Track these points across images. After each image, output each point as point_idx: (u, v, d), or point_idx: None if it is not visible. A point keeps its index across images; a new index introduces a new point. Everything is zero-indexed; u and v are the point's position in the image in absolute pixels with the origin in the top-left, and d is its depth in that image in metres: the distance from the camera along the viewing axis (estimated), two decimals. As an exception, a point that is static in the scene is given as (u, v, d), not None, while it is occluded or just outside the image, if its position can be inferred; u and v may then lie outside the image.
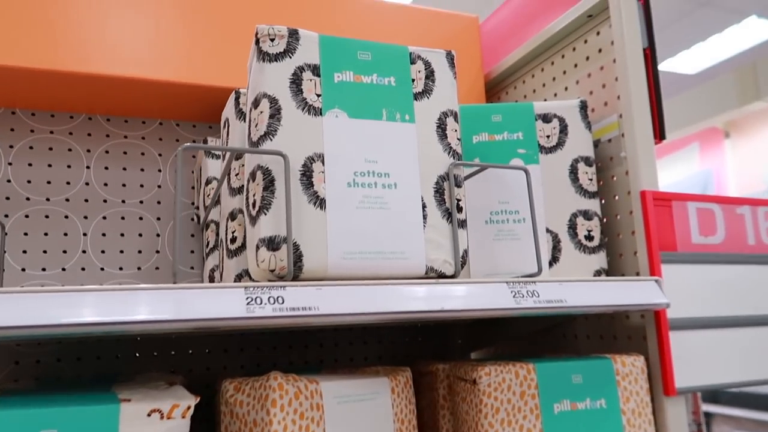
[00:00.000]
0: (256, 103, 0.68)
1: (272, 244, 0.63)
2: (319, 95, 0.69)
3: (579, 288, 0.75)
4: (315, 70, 0.70)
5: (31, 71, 0.90)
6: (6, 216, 0.98)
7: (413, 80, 0.75)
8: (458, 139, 0.76)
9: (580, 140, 0.95)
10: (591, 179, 0.94)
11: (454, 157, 0.75)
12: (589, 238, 0.92)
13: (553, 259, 0.90)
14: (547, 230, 0.91)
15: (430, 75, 0.76)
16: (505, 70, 1.24)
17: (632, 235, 0.91)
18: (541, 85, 1.17)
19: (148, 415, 0.56)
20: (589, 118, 0.99)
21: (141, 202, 1.07)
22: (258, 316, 0.57)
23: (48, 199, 1.01)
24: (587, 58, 1.05)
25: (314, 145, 0.67)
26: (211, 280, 0.92)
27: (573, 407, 0.78)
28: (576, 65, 1.08)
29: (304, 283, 0.61)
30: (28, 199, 1.00)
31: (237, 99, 0.82)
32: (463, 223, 0.74)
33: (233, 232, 0.80)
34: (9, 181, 0.99)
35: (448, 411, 0.85)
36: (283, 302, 0.59)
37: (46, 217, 1.00)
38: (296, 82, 0.69)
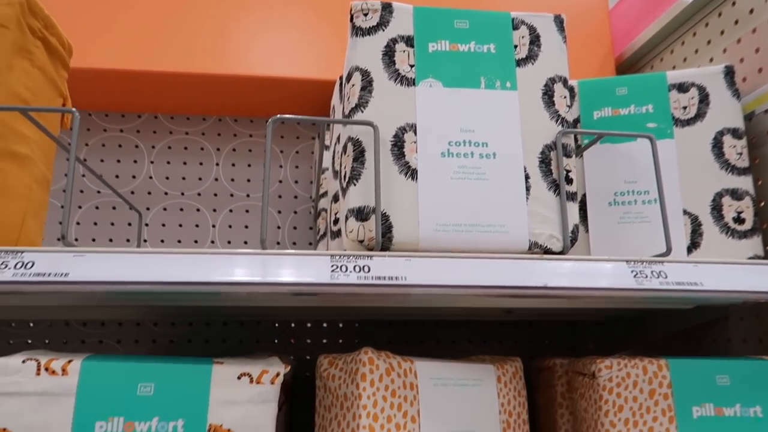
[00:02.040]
0: (348, 78, 0.67)
1: (361, 214, 0.61)
2: (412, 66, 0.67)
3: (719, 270, 0.63)
4: (408, 41, 0.68)
5: (170, 75, 0.99)
6: (147, 209, 1.08)
7: (516, 46, 0.70)
8: (568, 106, 0.69)
9: (726, 110, 0.82)
10: (740, 153, 0.80)
11: (562, 125, 0.68)
12: (739, 220, 0.78)
13: (693, 245, 0.78)
14: (685, 212, 0.79)
15: (535, 40, 0.70)
16: (639, 50, 1.12)
17: (796, 216, 0.76)
18: (681, 60, 1.04)
19: (238, 378, 0.57)
20: (738, 87, 0.86)
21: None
22: (342, 283, 0.55)
23: (182, 194, 1.10)
24: (736, 22, 0.92)
25: (406, 116, 0.65)
26: (322, 266, 0.93)
27: (718, 412, 0.66)
28: (722, 32, 0.94)
29: (393, 253, 0.59)
30: (166, 193, 1.10)
31: (341, 84, 0.82)
32: (573, 196, 0.66)
33: (335, 214, 0.80)
34: (151, 177, 1.10)
35: (567, 410, 0.76)
36: (368, 271, 0.57)
37: (181, 210, 1.09)
38: (389, 54, 0.67)
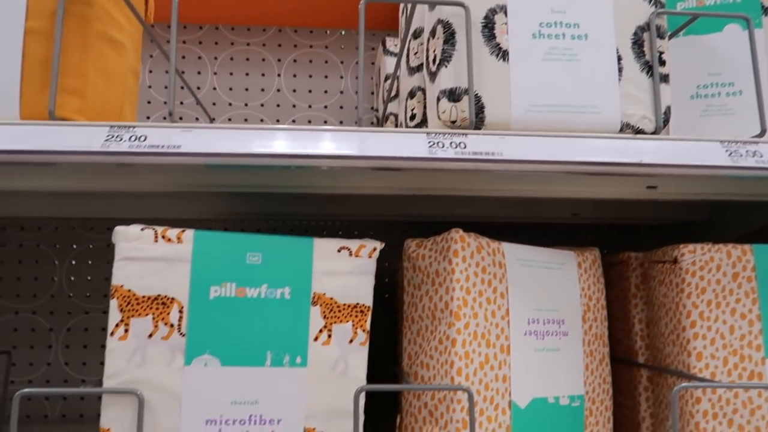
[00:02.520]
0: (435, -39, 0.66)
1: (453, 95, 0.62)
2: (501, -55, 0.65)
3: (816, 151, 0.62)
4: None
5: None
6: (213, 119, 1.10)
7: (606, -75, 0.67)
8: (661, -14, 0.67)
9: (817, -2, 0.79)
10: (831, 43, 0.77)
11: (656, 6, 0.66)
12: (827, 112, 0.76)
13: (778, 136, 0.77)
14: (771, 103, 0.77)
15: None
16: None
17: None
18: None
19: (338, 251, 0.59)
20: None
21: (325, 107, 1.13)
22: (440, 158, 0.56)
23: (246, 105, 1.11)
24: None
25: (496, -3, 0.64)
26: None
27: (801, 296, 0.66)
28: None
29: (487, 131, 0.59)
30: (230, 104, 1.11)
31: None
32: (665, 78, 0.65)
33: (412, 110, 0.80)
34: (215, 88, 1.11)
35: (641, 300, 0.78)
36: (465, 147, 0.57)
37: (245, 120, 1.11)
38: (476, -67, 0.65)
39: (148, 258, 0.55)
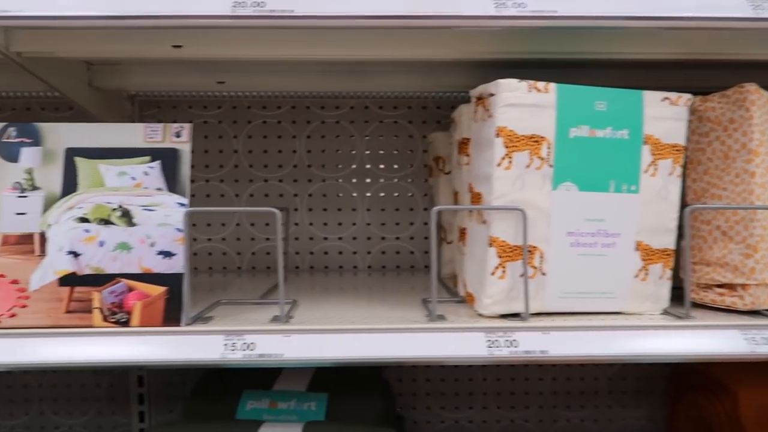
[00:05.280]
0: None
1: None
2: None
3: None
4: None
5: None
6: None
7: None
8: None
9: None
10: None
11: None
12: None
13: None
14: None
15: None
16: None
17: None
18: None
19: (662, 100, 0.72)
20: None
21: None
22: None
23: None
24: None
25: None
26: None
27: None
28: None
29: None
30: None
31: None
32: None
33: None
34: None
35: None
36: None
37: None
38: None
39: (524, 104, 0.69)
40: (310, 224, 1.20)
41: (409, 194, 1.20)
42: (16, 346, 0.66)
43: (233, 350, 0.66)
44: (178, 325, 0.68)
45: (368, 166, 1.20)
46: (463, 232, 0.85)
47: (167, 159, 0.72)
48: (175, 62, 0.99)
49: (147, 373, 1.19)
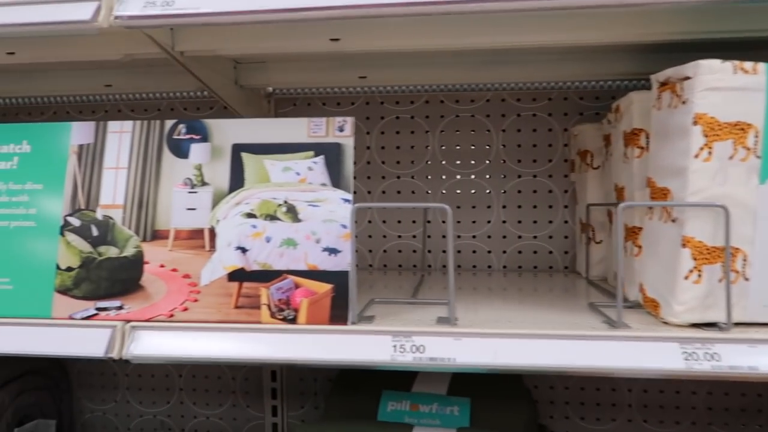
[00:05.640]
0: None
1: None
2: None
3: None
4: None
5: None
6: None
7: None
8: None
9: None
10: None
11: None
12: None
13: None
14: None
15: None
16: None
17: None
18: None
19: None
20: None
21: None
22: None
23: None
24: None
25: None
26: None
27: None
28: None
29: None
30: None
31: None
32: None
33: None
34: None
35: None
36: None
37: None
38: None
39: (727, 88, 0.61)
40: (443, 222, 1.16)
41: (548, 191, 1.14)
42: (189, 339, 0.67)
43: (402, 352, 0.64)
44: (345, 324, 0.66)
45: (504, 162, 1.14)
46: (633, 232, 0.78)
47: (331, 154, 0.70)
48: (320, 58, 0.99)
49: (280, 368, 1.20)
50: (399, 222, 1.17)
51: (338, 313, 0.67)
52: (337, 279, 0.67)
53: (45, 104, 1.24)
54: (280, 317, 0.67)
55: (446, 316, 0.69)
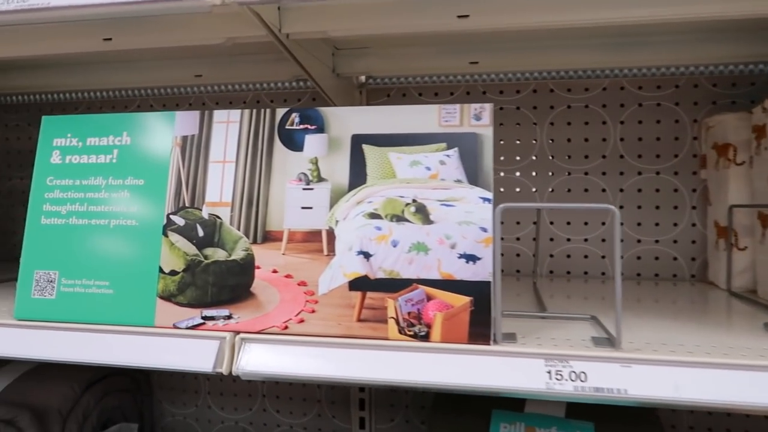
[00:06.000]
0: None
1: None
2: None
3: None
4: None
5: None
6: None
7: None
8: None
9: None
10: None
11: None
12: None
13: None
14: None
15: None
16: None
17: None
18: None
19: None
20: None
21: None
22: None
23: None
24: None
25: None
26: None
27: None
28: None
29: None
30: None
31: None
32: None
33: None
34: None
35: None
36: None
37: None
38: None
39: None
40: (551, 223, 1.06)
41: (674, 190, 1.01)
42: (306, 356, 0.59)
43: (560, 380, 0.54)
44: (487, 344, 0.57)
45: (623, 157, 1.03)
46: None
47: (466, 146, 0.61)
48: (430, 42, 0.90)
49: (369, 377, 1.12)
50: (502, 223, 1.07)
51: (478, 330, 0.57)
52: (477, 290, 0.58)
53: (128, 97, 1.20)
54: (410, 333, 0.59)
55: (604, 337, 0.58)
